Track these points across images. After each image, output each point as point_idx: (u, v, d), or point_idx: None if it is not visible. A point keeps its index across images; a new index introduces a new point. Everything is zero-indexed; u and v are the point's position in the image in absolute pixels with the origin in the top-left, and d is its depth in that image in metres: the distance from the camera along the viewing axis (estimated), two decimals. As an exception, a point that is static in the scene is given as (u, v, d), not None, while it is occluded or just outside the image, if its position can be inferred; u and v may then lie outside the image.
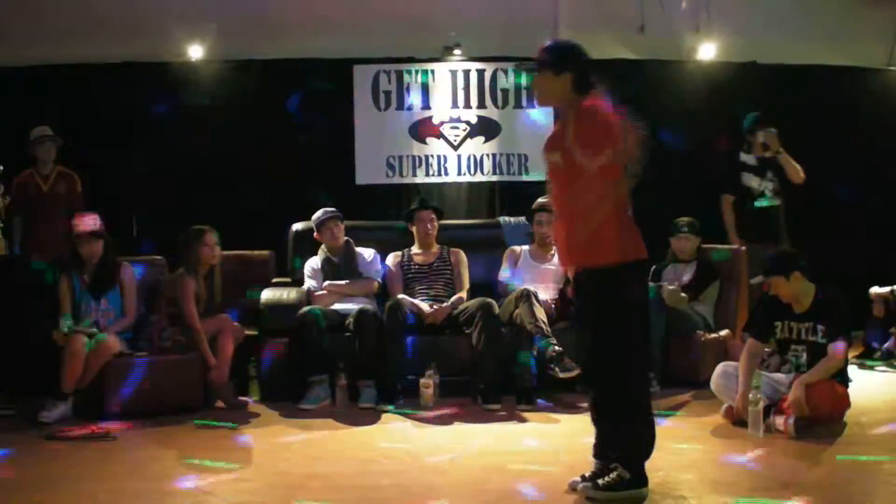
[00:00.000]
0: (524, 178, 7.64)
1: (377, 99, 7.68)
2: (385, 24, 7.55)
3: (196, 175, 7.34)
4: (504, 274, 6.05)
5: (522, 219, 6.39)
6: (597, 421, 3.71)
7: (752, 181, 6.71)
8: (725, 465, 4.12)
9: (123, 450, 4.52)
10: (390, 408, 5.34)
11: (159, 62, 7.37)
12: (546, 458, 4.22)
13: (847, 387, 4.81)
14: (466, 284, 6.03)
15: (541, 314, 5.43)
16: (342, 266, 5.98)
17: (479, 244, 6.33)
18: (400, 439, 4.72)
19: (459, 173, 7.76)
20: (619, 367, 3.56)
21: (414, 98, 7.71)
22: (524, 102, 7.75)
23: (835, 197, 7.53)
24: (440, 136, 7.75)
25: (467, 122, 7.76)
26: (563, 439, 4.59)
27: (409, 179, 7.70)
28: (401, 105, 7.71)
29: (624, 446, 3.61)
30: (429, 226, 6.12)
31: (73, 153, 6.56)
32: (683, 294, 5.97)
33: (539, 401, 5.40)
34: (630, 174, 3.54)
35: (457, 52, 7.71)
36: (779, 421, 4.60)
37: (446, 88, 7.73)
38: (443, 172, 7.75)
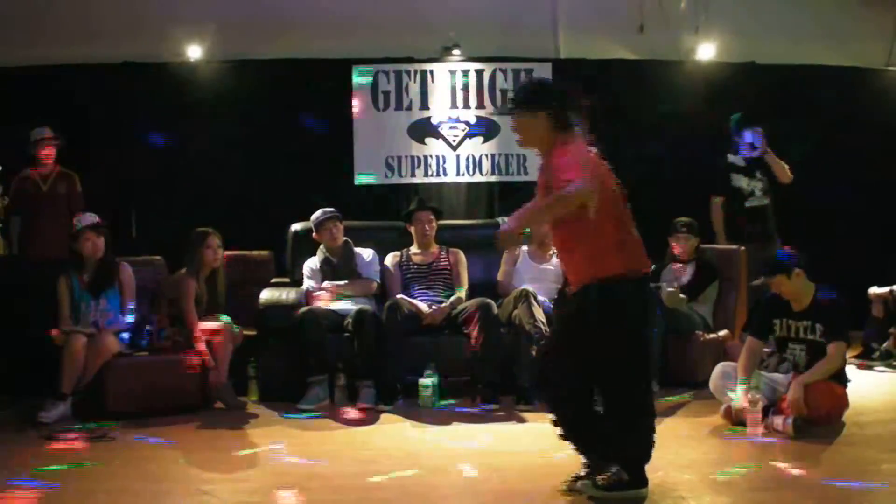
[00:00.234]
0: (523, 178, 7.64)
1: (376, 99, 7.68)
2: (384, 24, 7.55)
3: (195, 175, 7.34)
4: (505, 281, 6.06)
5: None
6: (572, 437, 3.67)
7: (740, 181, 6.71)
8: (724, 466, 4.12)
9: (123, 450, 4.52)
10: (389, 408, 5.34)
11: (158, 62, 7.37)
12: (545, 458, 4.22)
13: (846, 387, 4.82)
14: (465, 284, 6.03)
15: (539, 314, 5.44)
16: (341, 266, 5.98)
17: (478, 244, 6.32)
18: (399, 439, 4.73)
19: (458, 174, 7.76)
20: (625, 373, 3.57)
21: (413, 98, 7.71)
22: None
23: (833, 197, 7.53)
24: (439, 136, 7.76)
25: (466, 123, 7.76)
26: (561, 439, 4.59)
27: (407, 180, 7.70)
28: (400, 105, 7.71)
29: (627, 450, 3.61)
30: (427, 226, 6.12)
31: (72, 153, 6.55)
32: (682, 294, 5.97)
33: (537, 401, 5.41)
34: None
35: (456, 52, 7.70)
36: (778, 421, 4.60)
37: (445, 89, 7.73)
38: (442, 173, 7.75)
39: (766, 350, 5.01)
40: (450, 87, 7.72)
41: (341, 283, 5.91)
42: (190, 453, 4.41)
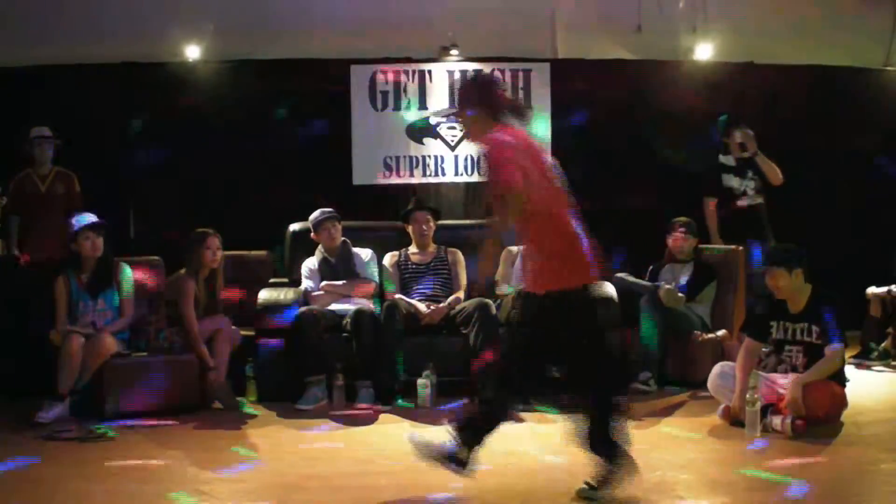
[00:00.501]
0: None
1: (374, 99, 7.68)
2: (382, 24, 7.55)
3: (194, 175, 7.34)
4: (502, 287, 6.05)
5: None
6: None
7: (732, 182, 6.70)
8: (722, 466, 4.13)
9: (121, 450, 4.52)
10: (388, 408, 5.35)
11: (158, 62, 7.37)
12: (544, 458, 4.23)
13: (844, 386, 4.82)
14: (464, 284, 6.03)
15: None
16: (339, 266, 5.98)
17: (476, 244, 6.31)
18: (397, 439, 4.71)
19: (457, 174, 7.76)
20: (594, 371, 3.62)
21: (411, 98, 7.71)
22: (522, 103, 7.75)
23: (831, 196, 7.53)
24: (437, 136, 7.76)
25: (465, 123, 7.75)
26: (560, 439, 4.59)
27: (406, 180, 7.70)
28: (398, 105, 7.71)
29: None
30: (425, 226, 6.12)
31: (71, 153, 6.55)
32: (681, 294, 5.98)
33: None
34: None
35: (454, 52, 7.70)
36: (776, 421, 4.60)
37: (444, 89, 7.72)
38: (440, 173, 7.75)
39: (764, 350, 5.01)
40: (448, 88, 7.72)
41: (339, 283, 5.91)
42: (188, 453, 4.41)
